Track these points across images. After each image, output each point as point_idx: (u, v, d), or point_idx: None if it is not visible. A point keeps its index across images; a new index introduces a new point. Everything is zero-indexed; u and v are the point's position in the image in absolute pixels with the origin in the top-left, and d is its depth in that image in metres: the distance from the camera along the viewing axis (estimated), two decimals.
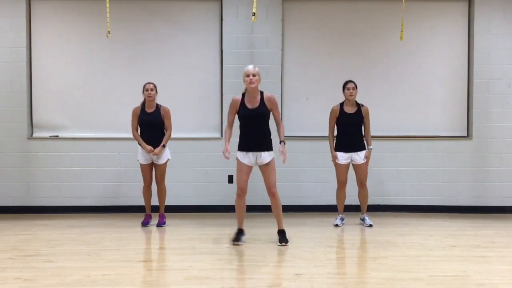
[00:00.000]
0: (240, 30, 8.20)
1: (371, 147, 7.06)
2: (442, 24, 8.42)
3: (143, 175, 7.05)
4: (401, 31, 7.25)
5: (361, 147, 7.03)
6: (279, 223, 6.05)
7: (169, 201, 8.00)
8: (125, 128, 8.05)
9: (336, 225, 7.06)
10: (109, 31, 6.94)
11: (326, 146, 8.18)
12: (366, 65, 8.37)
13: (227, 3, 8.18)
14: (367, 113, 7.02)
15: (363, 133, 7.08)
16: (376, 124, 8.32)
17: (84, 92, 8.26)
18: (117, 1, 8.03)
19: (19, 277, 4.60)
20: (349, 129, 7.01)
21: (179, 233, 6.69)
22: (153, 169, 7.07)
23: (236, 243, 5.90)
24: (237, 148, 6.05)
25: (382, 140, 8.26)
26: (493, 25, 8.25)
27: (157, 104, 7.06)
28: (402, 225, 7.19)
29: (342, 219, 7.18)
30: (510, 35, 8.27)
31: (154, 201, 7.21)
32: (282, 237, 5.96)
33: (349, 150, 7.01)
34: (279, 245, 5.82)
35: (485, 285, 4.41)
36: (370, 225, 7.05)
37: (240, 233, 6.05)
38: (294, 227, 7.00)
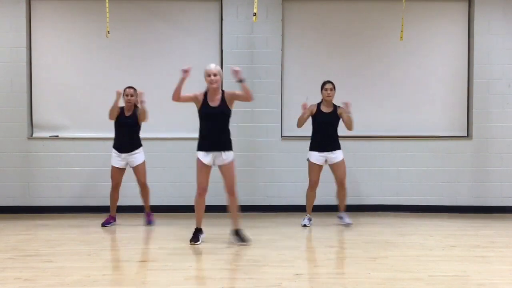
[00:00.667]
0: (240, 30, 8.20)
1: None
2: (442, 24, 8.42)
3: (113, 178, 7.08)
4: (401, 31, 7.25)
5: (336, 147, 7.05)
6: (235, 223, 6.08)
7: (169, 201, 8.04)
8: None
9: (304, 225, 7.05)
10: (108, 31, 6.94)
11: None
12: (366, 65, 8.38)
13: (227, 3, 8.18)
14: (343, 113, 7.03)
15: (338, 134, 7.11)
16: (376, 124, 8.34)
17: (84, 92, 8.26)
18: (117, 1, 8.03)
19: (19, 277, 4.59)
20: (325, 129, 7.04)
21: (179, 233, 6.68)
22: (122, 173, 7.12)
23: (194, 243, 5.87)
24: (196, 148, 6.06)
25: (382, 140, 8.26)
26: (493, 25, 8.25)
27: (135, 107, 7.07)
28: (402, 225, 7.19)
29: (309, 219, 7.17)
30: (510, 35, 8.27)
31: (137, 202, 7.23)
32: (241, 236, 5.99)
33: (324, 149, 7.02)
34: (239, 245, 5.85)
35: (485, 285, 4.41)
36: (348, 224, 7.03)
37: (198, 232, 6.03)
38: (294, 227, 7.00)
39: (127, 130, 7.04)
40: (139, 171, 7.09)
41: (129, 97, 6.99)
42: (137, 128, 7.11)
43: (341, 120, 7.10)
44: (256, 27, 8.17)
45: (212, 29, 8.34)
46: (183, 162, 8.13)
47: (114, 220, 7.18)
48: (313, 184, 7.14)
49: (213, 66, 5.91)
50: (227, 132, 6.07)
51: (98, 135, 8.18)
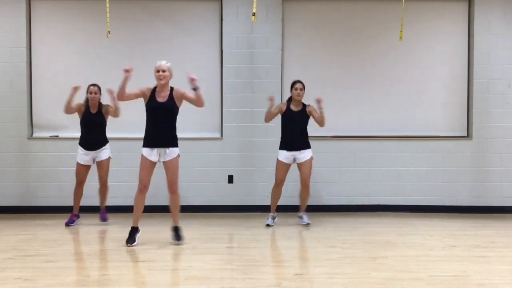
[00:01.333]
0: (240, 30, 8.20)
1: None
2: (442, 24, 8.42)
3: (78, 175, 7.09)
4: (401, 31, 7.25)
5: (304, 146, 7.05)
6: (175, 220, 6.13)
7: (166, 201, 8.01)
8: (125, 128, 8.08)
9: (268, 225, 7.04)
10: (109, 31, 6.94)
11: (326, 146, 8.21)
12: (366, 65, 8.38)
13: (227, 3, 8.18)
14: (312, 111, 7.05)
15: (307, 133, 7.11)
16: (376, 124, 8.34)
17: (84, 92, 8.24)
18: (117, 1, 8.03)
19: (19, 277, 4.59)
20: (293, 127, 7.04)
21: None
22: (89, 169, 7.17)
23: (130, 245, 5.76)
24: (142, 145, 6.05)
25: (382, 140, 8.26)
26: (493, 25, 8.25)
27: (100, 104, 7.14)
28: (402, 225, 7.19)
29: (273, 218, 7.16)
30: (510, 35, 8.27)
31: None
32: (178, 234, 6.04)
33: (292, 149, 7.02)
34: (175, 243, 5.87)
35: (485, 285, 4.42)
36: (308, 224, 7.03)
37: (134, 231, 5.90)
38: (294, 227, 7.00)
39: (91, 127, 7.10)
40: (102, 167, 7.14)
41: (92, 95, 7.10)
42: (104, 125, 7.19)
43: (311, 118, 7.09)
44: (256, 27, 8.17)
45: (212, 29, 8.34)
46: (185, 162, 8.11)
47: (78, 218, 7.21)
48: (278, 182, 7.12)
49: (164, 63, 6.02)
50: (173, 129, 6.08)
51: None
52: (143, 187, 5.90)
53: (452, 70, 8.43)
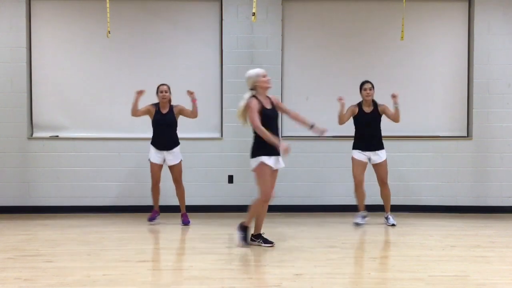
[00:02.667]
0: (240, 30, 8.20)
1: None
2: (442, 24, 8.42)
3: (152, 174, 7.10)
4: (402, 31, 7.25)
5: (380, 147, 7.13)
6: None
7: (170, 201, 8.01)
8: (125, 128, 8.08)
9: (357, 224, 7.09)
10: (109, 31, 6.94)
11: (326, 146, 8.22)
12: (366, 65, 8.37)
13: (227, 3, 8.18)
14: (385, 109, 7.12)
15: (381, 133, 7.17)
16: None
17: (84, 92, 8.26)
18: (117, 1, 8.02)
19: (19, 277, 4.60)
20: (368, 129, 7.11)
21: (179, 233, 6.69)
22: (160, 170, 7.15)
23: (246, 244, 5.79)
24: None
25: (382, 140, 8.25)
26: (493, 25, 8.25)
27: (171, 105, 7.13)
28: (402, 225, 7.19)
29: (363, 217, 7.21)
30: (510, 35, 8.27)
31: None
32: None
33: (367, 149, 7.07)
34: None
35: (485, 285, 4.42)
36: (393, 225, 7.06)
37: (248, 233, 5.93)
38: (294, 227, 7.00)
39: (163, 128, 7.08)
40: (175, 170, 7.14)
41: (163, 93, 7.06)
42: (174, 125, 7.16)
43: (383, 116, 7.13)
44: (256, 27, 8.17)
45: (212, 29, 8.34)
46: (184, 162, 8.12)
47: (158, 214, 7.23)
48: (358, 183, 7.13)
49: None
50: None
51: (98, 135, 8.18)
52: (269, 198, 5.82)
53: (452, 70, 8.43)
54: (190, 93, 7.03)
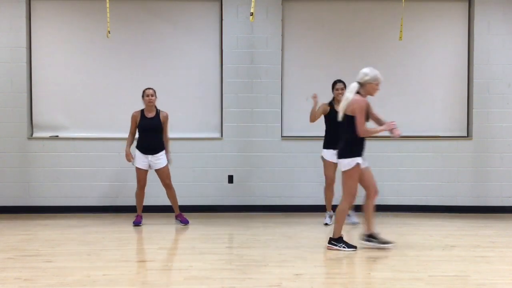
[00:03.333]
0: (240, 30, 8.20)
1: None
2: (442, 24, 8.42)
3: (139, 179, 7.10)
4: (400, 31, 7.25)
5: None
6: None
7: (169, 201, 8.02)
8: (125, 128, 8.04)
9: (326, 224, 7.09)
10: (109, 31, 6.94)
11: None
12: (366, 65, 8.25)
13: (227, 3, 8.18)
14: None
15: None
16: (376, 124, 8.32)
17: (84, 92, 8.26)
18: (117, 1, 8.02)
19: (19, 277, 4.60)
20: (338, 127, 7.02)
21: (179, 233, 6.69)
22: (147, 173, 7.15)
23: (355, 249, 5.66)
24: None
25: (382, 140, 8.25)
26: (493, 25, 8.25)
27: (157, 109, 7.09)
28: (402, 225, 7.19)
29: (331, 217, 7.16)
30: (510, 35, 8.27)
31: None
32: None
33: (337, 147, 7.03)
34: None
35: (485, 285, 4.42)
36: (355, 223, 7.03)
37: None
38: (294, 227, 7.00)
39: (149, 132, 7.06)
40: (162, 173, 7.10)
41: (150, 97, 7.03)
42: (159, 130, 7.10)
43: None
44: (256, 27, 8.17)
45: (212, 29, 8.34)
46: (185, 162, 8.14)
47: (141, 218, 7.21)
48: (329, 182, 7.11)
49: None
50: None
51: (98, 135, 8.18)
52: (354, 199, 5.78)
53: (452, 70, 8.43)
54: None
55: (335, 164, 7.01)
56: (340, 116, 5.63)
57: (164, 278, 4.65)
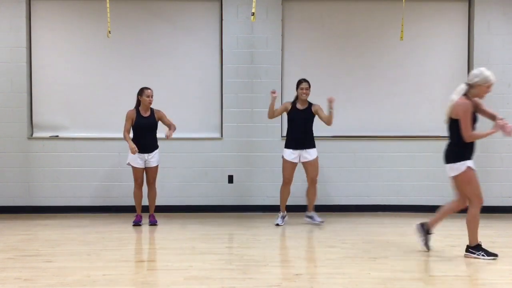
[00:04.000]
0: (240, 30, 8.20)
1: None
2: (442, 24, 8.41)
3: (135, 177, 7.13)
4: (401, 31, 7.25)
5: (310, 145, 7.15)
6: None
7: (169, 201, 8.04)
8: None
9: (277, 225, 7.11)
10: (109, 31, 6.94)
11: (325, 146, 8.21)
12: (366, 65, 8.37)
13: (227, 3, 8.18)
14: (318, 109, 7.12)
15: (313, 131, 7.18)
16: (376, 124, 8.35)
17: (84, 92, 8.26)
18: (117, 1, 8.02)
19: (19, 277, 4.60)
20: (298, 126, 7.11)
21: (179, 233, 6.69)
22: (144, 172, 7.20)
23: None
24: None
25: (382, 140, 8.26)
26: (493, 25, 8.25)
27: (151, 108, 7.15)
28: (402, 225, 7.19)
29: (283, 217, 7.25)
30: (510, 35, 8.26)
31: (145, 202, 7.28)
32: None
33: (297, 147, 7.10)
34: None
35: (485, 285, 4.42)
36: (321, 222, 7.04)
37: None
38: (294, 227, 7.00)
39: (144, 131, 7.11)
40: (151, 173, 7.17)
41: (150, 98, 7.08)
42: (154, 128, 7.18)
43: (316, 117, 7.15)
44: (256, 27, 8.17)
45: (212, 29, 8.34)
46: (185, 162, 8.14)
47: (141, 218, 7.25)
48: (286, 181, 7.19)
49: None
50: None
51: (98, 135, 8.18)
52: (483, 201, 5.45)
53: (452, 70, 8.42)
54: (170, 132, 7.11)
55: (295, 164, 7.11)
56: (445, 119, 5.48)
57: (164, 278, 4.65)
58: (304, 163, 7.16)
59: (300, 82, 7.13)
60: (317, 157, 7.15)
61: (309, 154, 7.11)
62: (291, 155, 7.12)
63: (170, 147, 8.13)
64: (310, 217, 7.23)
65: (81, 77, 8.26)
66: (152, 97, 7.06)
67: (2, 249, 5.69)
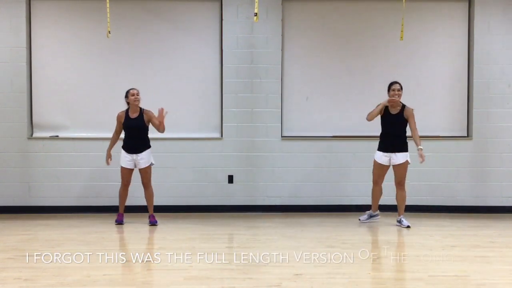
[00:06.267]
0: (240, 30, 8.20)
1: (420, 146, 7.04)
2: (442, 24, 8.42)
3: (123, 177, 7.18)
4: (401, 31, 7.26)
5: (400, 149, 7.10)
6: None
7: (169, 201, 8.04)
8: None
9: (359, 220, 7.23)
10: (109, 31, 6.94)
11: (325, 146, 8.22)
12: (366, 65, 8.37)
13: (227, 3, 8.18)
14: (410, 115, 7.07)
15: (405, 136, 7.18)
16: (376, 124, 8.32)
17: (84, 92, 8.26)
18: (117, 1, 8.02)
19: (19, 277, 4.60)
20: (390, 130, 7.13)
21: (179, 233, 6.69)
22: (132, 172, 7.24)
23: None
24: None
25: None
26: (493, 25, 8.25)
27: (140, 109, 7.14)
28: (402, 225, 7.18)
29: (370, 216, 7.33)
30: (510, 35, 8.27)
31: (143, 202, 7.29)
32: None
33: (387, 150, 7.10)
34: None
35: (485, 285, 4.42)
36: (408, 227, 6.98)
37: None
38: (294, 227, 7.00)
39: (133, 132, 7.14)
40: (143, 173, 7.17)
41: (135, 96, 7.08)
42: (144, 129, 7.18)
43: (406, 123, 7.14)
44: (256, 27, 8.17)
45: (212, 29, 8.34)
46: (185, 162, 8.14)
47: (123, 217, 7.28)
48: (374, 182, 7.21)
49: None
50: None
51: (98, 135, 8.18)
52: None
53: (452, 70, 8.43)
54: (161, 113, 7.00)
55: (387, 167, 7.11)
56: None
57: (164, 278, 4.65)
58: (393, 166, 7.12)
59: (391, 84, 7.14)
60: (406, 161, 7.07)
61: (398, 158, 7.06)
62: (380, 157, 7.11)
63: (170, 147, 8.14)
64: (399, 221, 7.14)
65: (81, 77, 8.26)
66: (138, 95, 7.06)
67: (2, 249, 5.68)
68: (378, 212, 7.33)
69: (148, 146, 7.17)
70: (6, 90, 8.07)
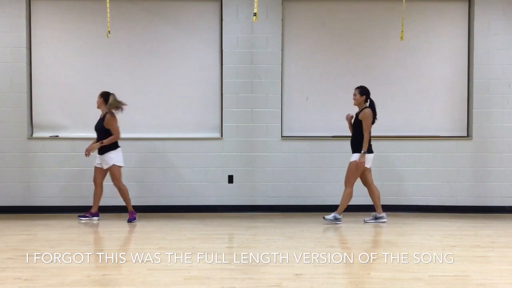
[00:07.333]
0: (240, 30, 8.20)
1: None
2: (442, 24, 8.42)
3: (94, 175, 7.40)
4: (402, 31, 7.26)
5: (353, 150, 7.24)
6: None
7: (169, 201, 8.04)
8: (125, 128, 8.06)
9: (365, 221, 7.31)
10: (109, 31, 6.94)
11: (326, 146, 8.22)
12: (366, 65, 8.38)
13: (227, 3, 8.18)
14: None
15: (359, 137, 7.23)
16: (376, 124, 8.32)
17: (84, 92, 8.26)
18: (117, 1, 8.03)
19: (19, 277, 4.59)
20: (353, 131, 7.29)
21: (179, 233, 6.69)
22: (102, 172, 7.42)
23: None
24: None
25: (382, 140, 8.26)
26: (493, 25, 8.25)
27: (106, 112, 7.25)
28: (402, 225, 7.19)
29: (376, 218, 7.38)
30: (510, 35, 8.27)
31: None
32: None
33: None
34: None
35: (485, 285, 4.41)
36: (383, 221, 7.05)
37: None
38: (294, 227, 7.00)
39: (97, 133, 7.37)
40: (110, 173, 7.34)
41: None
42: (102, 131, 7.29)
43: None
44: (256, 27, 8.17)
45: (212, 29, 8.34)
46: (184, 162, 8.14)
47: (95, 216, 7.44)
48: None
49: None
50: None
51: None
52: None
53: (452, 70, 8.43)
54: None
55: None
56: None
57: (164, 278, 4.65)
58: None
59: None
60: (354, 161, 7.16)
61: (352, 158, 7.21)
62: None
63: (170, 147, 8.14)
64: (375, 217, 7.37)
65: (81, 77, 8.27)
66: (99, 98, 7.27)
67: (2, 249, 5.68)
68: (383, 214, 7.34)
69: (111, 148, 7.23)
70: (6, 90, 8.07)
